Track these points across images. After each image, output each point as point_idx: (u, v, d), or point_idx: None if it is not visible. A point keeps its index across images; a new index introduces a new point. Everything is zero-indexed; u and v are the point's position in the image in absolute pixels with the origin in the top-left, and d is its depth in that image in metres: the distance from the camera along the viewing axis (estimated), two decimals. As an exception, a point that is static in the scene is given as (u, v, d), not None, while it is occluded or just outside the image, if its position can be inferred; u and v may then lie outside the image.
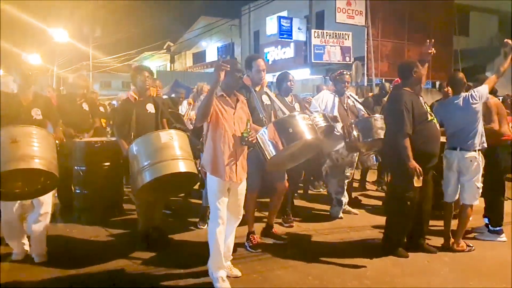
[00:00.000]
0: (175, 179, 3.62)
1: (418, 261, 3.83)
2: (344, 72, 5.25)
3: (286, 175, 4.19)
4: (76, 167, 5.05)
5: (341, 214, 5.22)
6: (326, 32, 16.17)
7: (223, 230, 3.26)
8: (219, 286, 3.21)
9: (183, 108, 6.73)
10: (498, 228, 4.39)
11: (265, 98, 4.10)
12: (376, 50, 15.18)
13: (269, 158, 3.36)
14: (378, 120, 4.53)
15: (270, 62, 19.46)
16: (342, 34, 16.09)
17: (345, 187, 5.33)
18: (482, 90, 4.01)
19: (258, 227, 4.34)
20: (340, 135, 4.81)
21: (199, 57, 31.07)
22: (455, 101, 4.08)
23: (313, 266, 3.71)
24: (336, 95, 5.12)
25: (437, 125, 3.88)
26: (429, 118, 3.81)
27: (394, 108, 3.87)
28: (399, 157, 3.71)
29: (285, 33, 17.68)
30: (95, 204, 5.03)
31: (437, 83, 13.74)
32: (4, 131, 3.28)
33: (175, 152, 3.49)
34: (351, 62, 15.31)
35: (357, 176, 6.85)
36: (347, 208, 5.38)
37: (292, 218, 4.97)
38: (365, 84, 15.03)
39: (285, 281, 3.45)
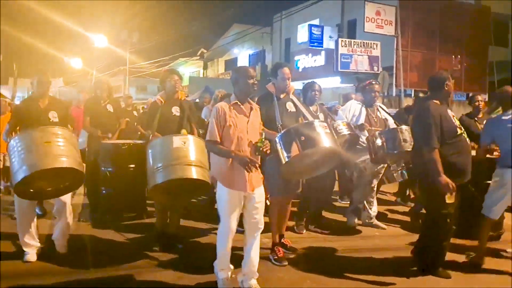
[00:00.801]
0: (188, 184, 3.67)
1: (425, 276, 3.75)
2: (374, 82, 5.07)
3: (286, 189, 4.00)
4: (102, 168, 5.22)
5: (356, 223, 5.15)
6: (354, 41, 15.95)
7: (231, 238, 3.27)
8: (222, 286, 3.30)
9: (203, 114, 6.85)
10: None
11: (289, 106, 4.00)
12: (405, 61, 14.88)
13: (282, 163, 3.35)
14: (404, 132, 4.35)
15: (300, 70, 19.39)
16: (370, 43, 15.81)
17: (374, 199, 5.19)
18: None
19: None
20: (365, 147, 4.67)
21: (230, 64, 31.45)
22: (504, 117, 3.91)
23: (313, 270, 3.80)
24: (364, 106, 4.96)
25: (467, 139, 3.71)
26: (459, 132, 3.62)
27: (421, 120, 3.67)
28: (427, 172, 3.51)
29: (315, 41, 17.66)
30: (119, 204, 5.22)
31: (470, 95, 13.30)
32: (37, 131, 3.53)
33: (188, 157, 3.55)
34: (379, 72, 15.06)
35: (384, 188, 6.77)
36: (375, 222, 5.21)
37: (320, 230, 4.97)
38: (394, 94, 14.79)
39: (284, 283, 3.56)
